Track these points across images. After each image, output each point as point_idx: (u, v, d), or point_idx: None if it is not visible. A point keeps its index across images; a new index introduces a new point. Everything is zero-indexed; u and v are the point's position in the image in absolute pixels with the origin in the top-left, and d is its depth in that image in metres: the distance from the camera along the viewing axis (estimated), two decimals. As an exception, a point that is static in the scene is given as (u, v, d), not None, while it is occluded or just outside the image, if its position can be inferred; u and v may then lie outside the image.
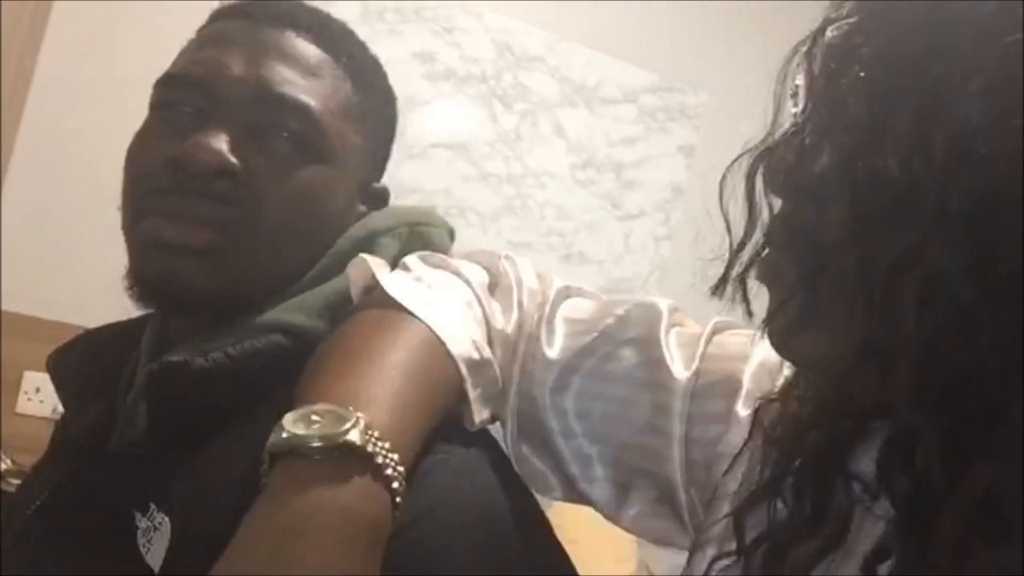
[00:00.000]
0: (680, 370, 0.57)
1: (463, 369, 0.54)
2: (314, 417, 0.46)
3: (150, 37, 1.97)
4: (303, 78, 0.62)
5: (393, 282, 0.57)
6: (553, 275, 0.66)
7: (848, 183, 0.36)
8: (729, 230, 0.45)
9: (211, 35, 0.64)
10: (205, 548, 0.47)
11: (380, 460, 0.45)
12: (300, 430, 0.45)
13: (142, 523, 0.53)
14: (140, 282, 0.61)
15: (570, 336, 0.60)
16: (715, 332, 0.59)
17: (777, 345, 0.43)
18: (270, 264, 0.61)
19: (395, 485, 0.45)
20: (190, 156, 0.57)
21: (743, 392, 0.55)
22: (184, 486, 0.53)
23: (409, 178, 2.25)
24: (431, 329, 0.54)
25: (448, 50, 2.32)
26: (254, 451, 0.47)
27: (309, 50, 0.64)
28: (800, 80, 0.41)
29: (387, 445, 0.46)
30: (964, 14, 0.34)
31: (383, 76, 0.71)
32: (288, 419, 0.46)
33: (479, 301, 0.60)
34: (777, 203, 0.43)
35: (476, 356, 0.56)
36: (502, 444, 0.62)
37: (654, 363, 0.58)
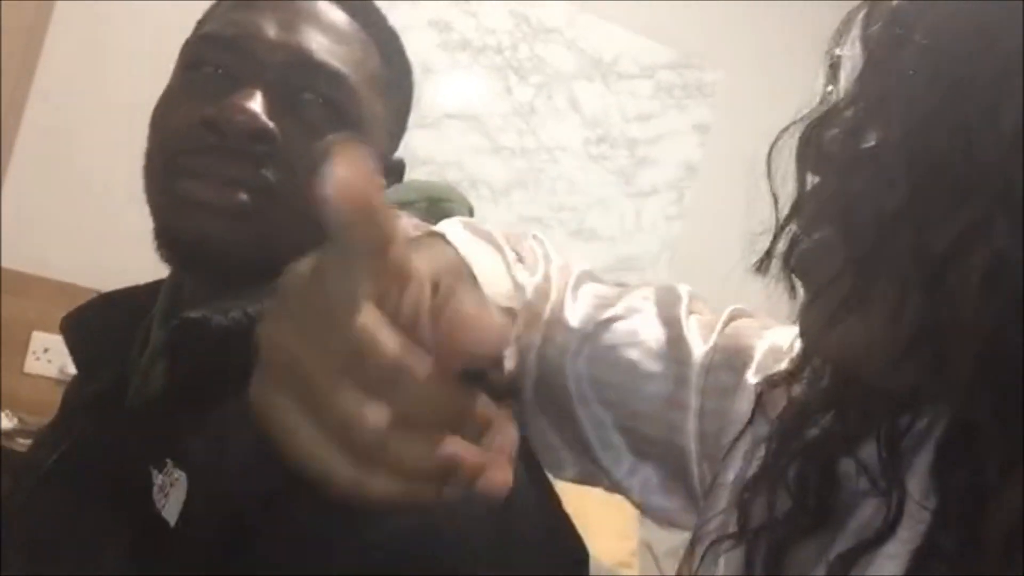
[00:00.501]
0: (699, 345, 0.57)
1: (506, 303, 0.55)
2: None
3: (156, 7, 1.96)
4: (337, 45, 0.62)
5: (447, 226, 0.57)
6: (573, 260, 0.66)
7: (907, 158, 0.34)
8: (776, 205, 0.42)
9: (243, 1, 0.64)
10: (222, 503, 0.48)
11: None
12: None
13: (158, 479, 0.53)
14: (171, 242, 0.61)
15: (593, 307, 0.61)
16: (731, 319, 0.59)
17: (814, 338, 0.42)
18: (299, 227, 0.61)
19: None
20: (227, 117, 0.57)
21: (754, 364, 0.55)
22: (201, 443, 0.53)
23: (421, 148, 2.24)
24: (470, 267, 0.54)
25: (464, 19, 2.30)
26: None
27: (340, 17, 0.64)
28: (841, 51, 0.39)
29: None
30: None
31: (402, 47, 0.71)
32: None
33: (506, 263, 0.60)
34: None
35: (504, 304, 0.56)
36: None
37: (674, 339, 0.58)
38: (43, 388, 1.97)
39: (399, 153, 0.73)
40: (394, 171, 0.71)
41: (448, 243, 0.54)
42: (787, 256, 0.42)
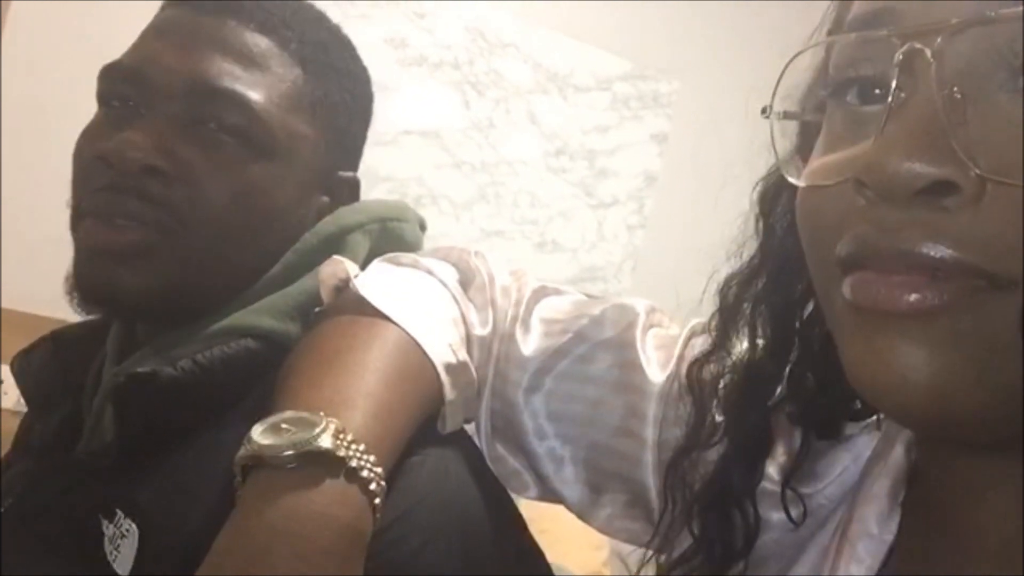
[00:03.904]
0: (656, 373, 0.56)
1: (441, 372, 0.53)
2: (284, 425, 0.45)
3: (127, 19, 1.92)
4: (243, 70, 0.59)
5: (366, 284, 0.56)
6: (527, 271, 0.65)
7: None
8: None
9: (154, 26, 0.62)
10: (174, 555, 0.47)
11: (355, 463, 0.44)
12: (269, 440, 0.44)
13: (109, 530, 0.52)
14: (77, 288, 0.60)
15: (545, 336, 0.60)
16: (693, 334, 0.58)
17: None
18: (212, 263, 0.59)
19: (372, 487, 0.45)
20: (116, 153, 0.56)
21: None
22: (153, 494, 0.52)
23: (381, 165, 2.23)
24: (407, 332, 0.53)
25: (420, 36, 2.29)
26: (224, 458, 0.46)
27: (252, 39, 0.61)
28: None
29: (362, 448, 0.45)
30: None
31: (347, 56, 0.67)
32: (256, 430, 0.45)
33: (455, 301, 0.59)
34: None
35: (453, 359, 0.55)
36: (477, 443, 0.61)
37: (628, 365, 0.57)
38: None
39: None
40: (344, 188, 0.68)
41: (388, 321, 0.53)
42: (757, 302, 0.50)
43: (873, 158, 0.33)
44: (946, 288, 0.33)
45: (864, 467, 0.47)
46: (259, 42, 0.61)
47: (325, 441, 0.43)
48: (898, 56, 0.34)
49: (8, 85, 1.94)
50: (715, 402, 0.51)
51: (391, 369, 0.51)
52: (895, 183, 0.32)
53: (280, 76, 0.61)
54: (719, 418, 0.50)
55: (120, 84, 0.59)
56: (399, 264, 0.61)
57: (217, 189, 0.58)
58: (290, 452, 0.43)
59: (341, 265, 0.58)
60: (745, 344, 0.49)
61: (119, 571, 0.50)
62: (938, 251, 0.32)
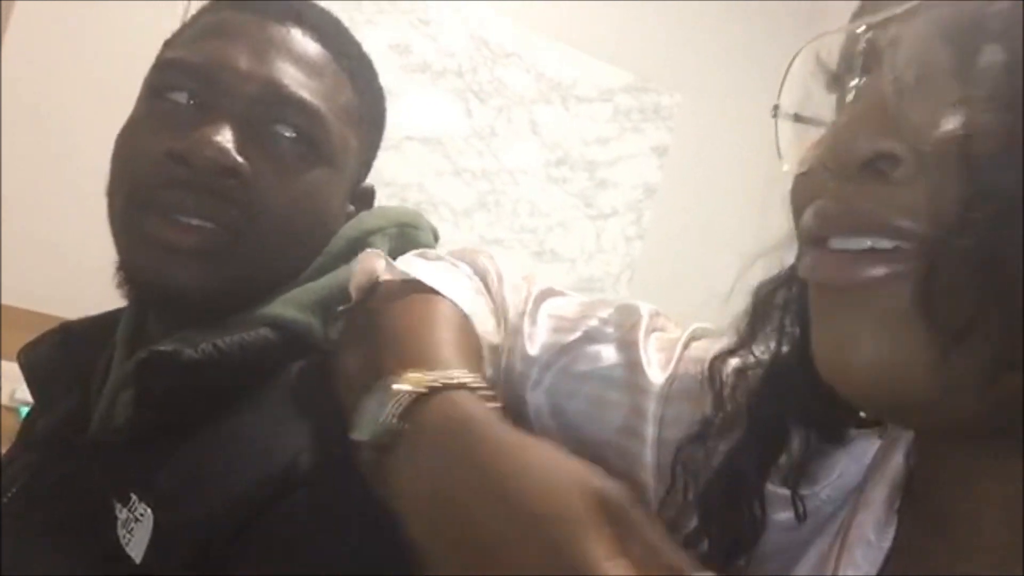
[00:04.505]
0: (656, 374, 0.57)
1: (484, 350, 0.55)
2: (392, 392, 0.45)
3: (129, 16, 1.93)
4: (310, 78, 0.61)
5: (414, 265, 0.58)
6: (536, 275, 0.67)
7: None
8: None
9: (214, 25, 0.62)
10: (189, 540, 0.47)
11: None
12: (412, 383, 0.45)
13: (122, 514, 0.52)
14: (132, 279, 0.60)
15: (552, 332, 0.61)
16: (693, 338, 0.59)
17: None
18: (267, 266, 0.60)
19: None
20: (194, 151, 0.56)
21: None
22: (167, 477, 0.53)
23: (382, 171, 2.24)
24: (458, 306, 0.55)
25: (424, 43, 2.31)
26: (238, 445, 0.47)
27: (313, 48, 0.62)
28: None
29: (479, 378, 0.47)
30: None
31: (374, 75, 0.70)
32: (366, 418, 0.45)
33: (487, 291, 0.61)
34: None
35: (495, 340, 0.57)
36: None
37: (632, 365, 0.58)
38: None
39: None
40: (364, 198, 0.71)
41: (441, 296, 0.55)
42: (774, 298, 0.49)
43: (829, 139, 0.37)
44: (893, 260, 0.35)
45: (866, 473, 0.48)
46: (319, 51, 0.62)
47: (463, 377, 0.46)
48: (861, 45, 0.37)
49: (9, 84, 1.94)
50: (730, 394, 0.52)
51: (460, 327, 0.54)
52: (844, 157, 0.36)
53: (335, 88, 0.63)
54: (732, 409, 0.51)
55: (186, 81, 0.59)
56: (429, 259, 0.63)
57: (282, 192, 0.59)
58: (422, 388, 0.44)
59: (379, 257, 0.60)
60: (771, 344, 0.50)
61: (132, 555, 0.50)
62: (881, 217, 0.35)
